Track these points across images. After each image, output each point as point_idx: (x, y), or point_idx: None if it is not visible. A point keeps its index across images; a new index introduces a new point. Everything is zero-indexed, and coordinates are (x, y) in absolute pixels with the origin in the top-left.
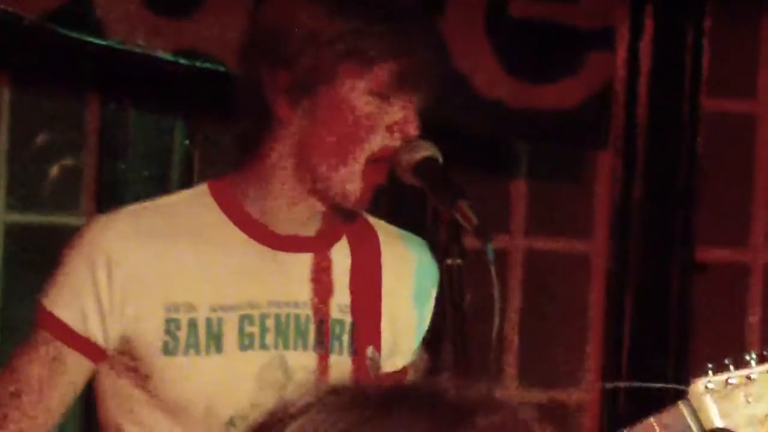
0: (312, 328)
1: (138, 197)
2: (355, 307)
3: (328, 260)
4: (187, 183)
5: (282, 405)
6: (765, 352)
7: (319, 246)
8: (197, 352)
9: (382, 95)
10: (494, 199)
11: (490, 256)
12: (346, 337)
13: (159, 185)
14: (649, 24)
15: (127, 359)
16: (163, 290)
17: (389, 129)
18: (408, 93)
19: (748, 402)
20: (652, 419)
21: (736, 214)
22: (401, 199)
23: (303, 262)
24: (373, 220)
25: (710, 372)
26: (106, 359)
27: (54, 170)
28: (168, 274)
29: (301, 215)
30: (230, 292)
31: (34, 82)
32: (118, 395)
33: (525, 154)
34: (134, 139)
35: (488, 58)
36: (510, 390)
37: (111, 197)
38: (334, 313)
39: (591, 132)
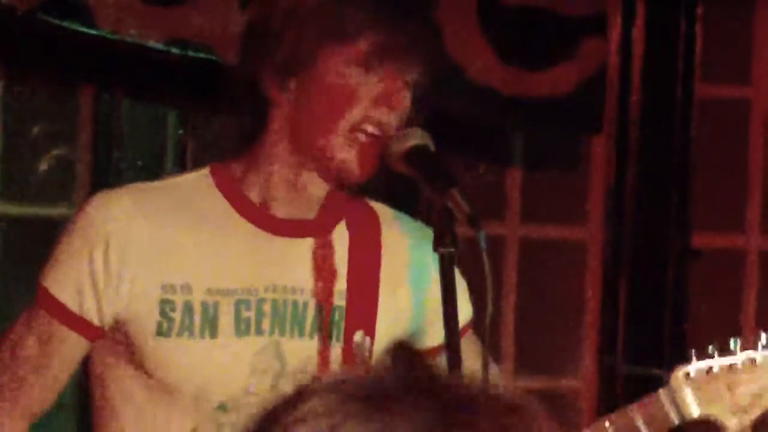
0: (310, 314)
1: None
2: (351, 292)
3: (330, 245)
4: (180, 172)
5: (289, 393)
6: (747, 340)
7: (319, 230)
8: (191, 335)
9: (365, 67)
10: (489, 187)
11: (483, 244)
12: (343, 324)
13: (153, 175)
14: (641, 9)
15: (122, 338)
16: (159, 271)
17: (376, 101)
18: (392, 65)
19: (730, 390)
20: (630, 408)
21: (730, 199)
22: (394, 188)
23: (303, 247)
24: (374, 204)
25: (693, 360)
26: (102, 337)
27: (47, 161)
28: (166, 255)
29: (300, 199)
30: (227, 276)
31: (26, 73)
32: (112, 374)
33: (519, 142)
34: (127, 129)
35: (481, 45)
36: (506, 376)
37: (105, 187)
38: (335, 299)
39: (585, 118)
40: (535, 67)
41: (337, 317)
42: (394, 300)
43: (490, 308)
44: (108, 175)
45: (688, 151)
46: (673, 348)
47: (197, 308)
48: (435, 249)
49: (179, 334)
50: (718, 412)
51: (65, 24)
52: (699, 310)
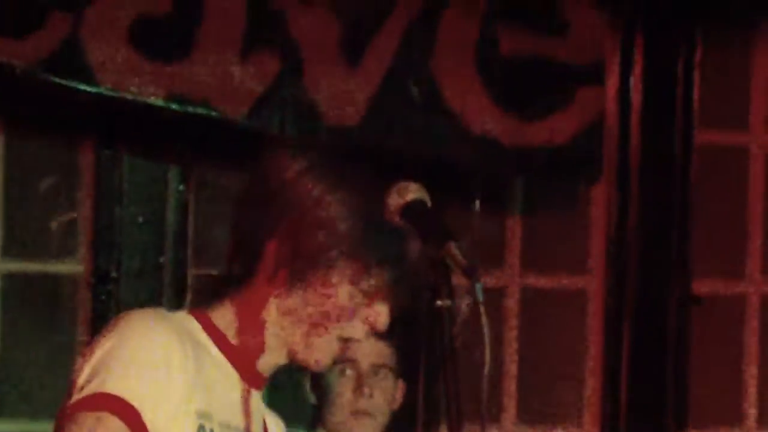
0: None
1: (134, 243)
2: None
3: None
4: (182, 227)
5: None
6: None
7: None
8: None
9: (367, 294)
10: (489, 236)
11: (480, 296)
12: None
13: (155, 230)
14: (639, 57)
15: None
16: (194, 396)
17: (364, 321)
18: (388, 295)
19: None
20: None
21: (731, 245)
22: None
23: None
24: None
25: None
26: None
27: (50, 217)
28: (194, 381)
29: (266, 365)
30: (233, 414)
31: (28, 130)
32: None
33: (519, 190)
34: (129, 184)
35: (479, 95)
36: (508, 427)
37: (107, 243)
38: None
39: (583, 168)
40: (534, 116)
41: None
42: None
43: (488, 363)
44: (110, 231)
45: (687, 197)
46: (676, 394)
47: None
48: (433, 303)
49: None
50: None
51: (65, 81)
52: (701, 356)
